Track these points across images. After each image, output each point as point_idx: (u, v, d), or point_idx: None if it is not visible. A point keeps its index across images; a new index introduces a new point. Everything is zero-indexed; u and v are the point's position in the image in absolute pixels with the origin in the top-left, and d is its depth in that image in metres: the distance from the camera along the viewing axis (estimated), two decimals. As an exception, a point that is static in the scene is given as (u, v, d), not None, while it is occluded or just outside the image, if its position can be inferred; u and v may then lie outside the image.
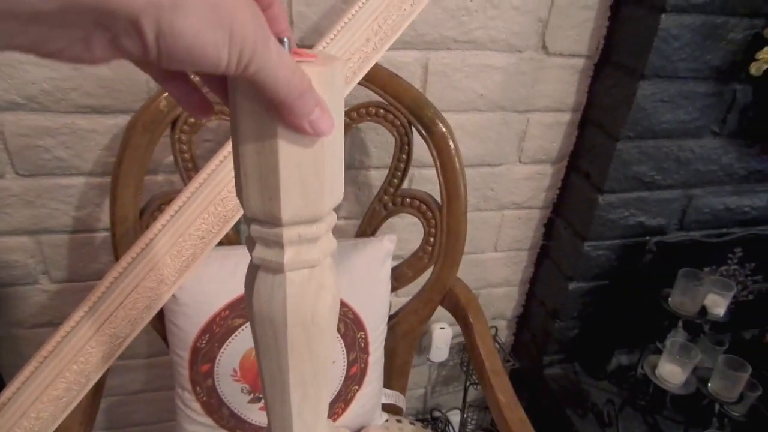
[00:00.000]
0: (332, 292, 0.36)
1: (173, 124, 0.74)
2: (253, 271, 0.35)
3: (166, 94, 0.71)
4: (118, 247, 0.73)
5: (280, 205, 0.30)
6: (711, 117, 0.99)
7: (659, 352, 1.05)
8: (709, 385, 1.02)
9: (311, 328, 0.35)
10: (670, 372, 1.01)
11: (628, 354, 1.23)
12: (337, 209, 0.41)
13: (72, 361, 0.63)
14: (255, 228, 0.33)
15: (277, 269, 0.33)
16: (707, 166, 1.05)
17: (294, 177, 0.30)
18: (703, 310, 1.03)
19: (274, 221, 0.31)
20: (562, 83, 1.03)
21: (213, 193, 0.66)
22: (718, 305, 1.04)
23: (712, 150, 1.03)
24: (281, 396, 0.38)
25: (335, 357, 0.81)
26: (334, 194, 0.33)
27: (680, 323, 1.07)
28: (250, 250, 0.34)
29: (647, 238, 1.10)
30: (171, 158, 0.88)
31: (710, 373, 1.02)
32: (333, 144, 0.31)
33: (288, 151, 0.29)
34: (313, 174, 0.30)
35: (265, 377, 0.38)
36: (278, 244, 0.32)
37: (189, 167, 0.76)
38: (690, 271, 1.02)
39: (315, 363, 0.37)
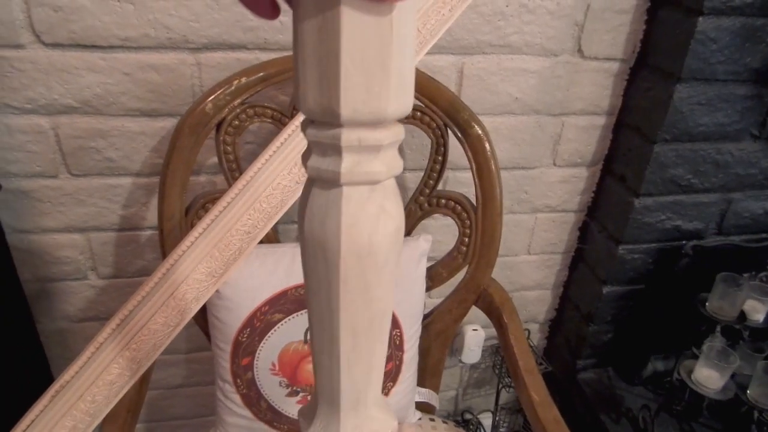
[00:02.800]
0: (396, 221, 0.32)
1: (218, 126, 0.77)
2: (307, 189, 0.31)
3: (212, 97, 0.75)
4: (165, 242, 0.77)
5: (340, 95, 0.27)
6: (750, 120, 0.98)
7: (696, 357, 1.04)
8: (748, 391, 1.00)
9: (367, 260, 0.31)
10: (708, 377, 0.99)
11: (663, 359, 1.21)
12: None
13: (125, 347, 0.66)
14: (311, 132, 0.29)
15: (333, 181, 0.29)
16: (747, 169, 1.04)
17: (357, 61, 0.27)
18: (742, 316, 1.02)
19: (333, 118, 0.28)
20: (597, 87, 1.03)
21: (259, 190, 0.69)
22: (757, 311, 1.03)
23: (752, 153, 1.02)
24: (329, 346, 0.34)
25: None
26: (402, 96, 0.29)
27: (718, 328, 1.05)
28: (305, 162, 0.31)
29: (684, 242, 1.09)
30: (213, 160, 0.92)
31: (749, 379, 1.00)
32: (403, 32, 0.27)
33: (352, 28, 0.26)
34: (378, 61, 0.27)
35: (313, 324, 0.35)
36: (336, 149, 0.29)
37: (233, 168, 0.79)
38: (729, 276, 1.01)
39: (369, 306, 0.33)
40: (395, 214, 0.31)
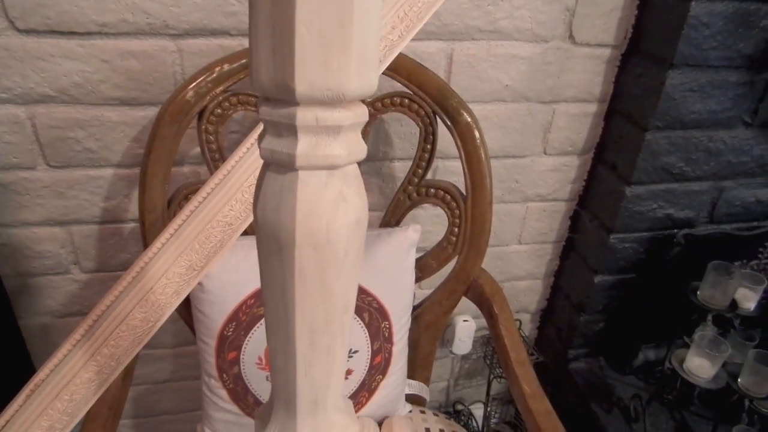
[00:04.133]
0: (357, 211, 0.29)
1: (200, 115, 0.74)
2: (261, 173, 0.29)
3: (193, 85, 0.72)
4: (147, 235, 0.74)
5: (294, 69, 0.25)
6: (743, 107, 0.97)
7: (687, 346, 1.03)
8: (739, 380, 1.00)
9: (325, 251, 0.28)
10: (699, 366, 0.99)
11: (655, 348, 1.21)
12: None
13: (103, 344, 0.64)
14: (264, 111, 0.27)
15: (288, 165, 0.27)
16: (738, 157, 1.03)
17: (313, 31, 0.24)
18: (734, 304, 1.01)
19: (287, 95, 0.26)
20: (588, 73, 1.01)
21: (240, 180, 0.67)
22: (748, 299, 1.02)
23: (744, 141, 1.01)
24: (285, 344, 0.31)
25: (359, 345, 0.82)
26: (365, 72, 0.26)
27: (709, 317, 1.05)
28: (260, 144, 0.28)
29: (675, 230, 1.08)
30: (197, 150, 0.89)
31: (740, 368, 1.00)
32: (365, 3, 0.25)
33: None
34: (338, 32, 0.24)
35: (269, 320, 0.32)
36: (291, 129, 0.26)
37: (216, 157, 0.77)
38: (720, 264, 1.01)
39: (328, 302, 0.30)
40: (357, 203, 0.29)
